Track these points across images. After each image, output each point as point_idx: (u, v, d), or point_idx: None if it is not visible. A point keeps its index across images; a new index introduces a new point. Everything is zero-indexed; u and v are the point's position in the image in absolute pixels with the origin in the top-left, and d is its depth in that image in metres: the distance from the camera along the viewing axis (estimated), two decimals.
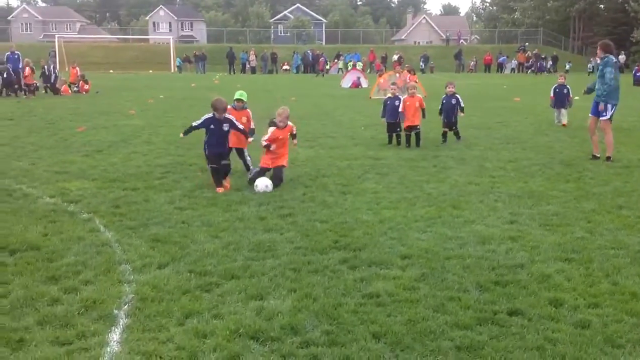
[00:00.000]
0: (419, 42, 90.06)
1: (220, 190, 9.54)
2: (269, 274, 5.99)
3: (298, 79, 50.56)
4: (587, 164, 11.99)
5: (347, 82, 38.56)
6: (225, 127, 9.89)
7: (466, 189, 9.98)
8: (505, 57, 63.66)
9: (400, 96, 14.89)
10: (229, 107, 10.19)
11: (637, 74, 42.86)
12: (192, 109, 21.97)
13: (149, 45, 78.79)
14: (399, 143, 14.40)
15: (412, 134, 14.34)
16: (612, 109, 12.51)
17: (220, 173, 9.82)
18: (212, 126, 9.82)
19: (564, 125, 17.86)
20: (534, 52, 62.47)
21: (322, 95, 30.83)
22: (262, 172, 10.06)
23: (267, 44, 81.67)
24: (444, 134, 14.95)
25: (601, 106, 12.47)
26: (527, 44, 67.90)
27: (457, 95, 15.01)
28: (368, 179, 10.63)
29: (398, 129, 14.46)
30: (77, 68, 34.18)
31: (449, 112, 14.91)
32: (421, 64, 60.16)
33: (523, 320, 5.01)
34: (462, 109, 15.04)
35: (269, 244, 6.93)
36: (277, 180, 9.92)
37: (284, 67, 63.60)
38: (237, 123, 10.08)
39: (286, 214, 8.26)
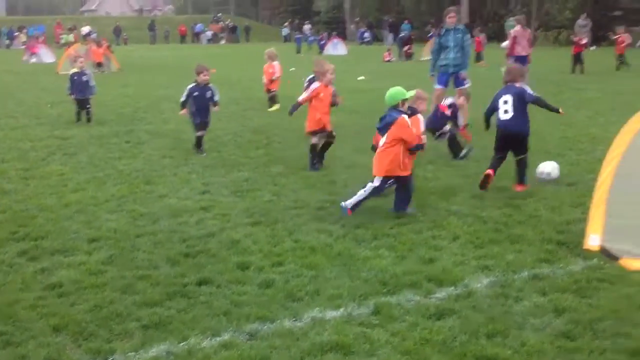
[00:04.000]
0: (110, 13, 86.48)
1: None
2: None
3: None
4: (276, 130, 12.62)
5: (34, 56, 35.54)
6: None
7: (160, 162, 9.87)
8: (201, 25, 64.14)
9: (86, 71, 14.11)
10: None
11: (321, 42, 46.48)
12: None
13: None
14: (88, 120, 13.65)
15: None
16: None
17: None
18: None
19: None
20: (227, 22, 64.12)
21: (1, 72, 28.00)
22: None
23: None
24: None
25: (463, 74, 12.17)
26: (220, 14, 69.27)
27: (211, 86, 10.70)
28: (54, 161, 9.93)
29: (88, 106, 13.71)
30: None
31: (203, 109, 10.57)
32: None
33: (212, 288, 5.10)
34: (215, 103, 10.71)
35: None
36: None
37: None
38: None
39: None
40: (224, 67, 29.53)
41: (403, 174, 7.10)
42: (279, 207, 7.42)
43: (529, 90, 8.04)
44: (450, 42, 12.16)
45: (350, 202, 7.04)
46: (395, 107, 7.22)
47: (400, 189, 7.23)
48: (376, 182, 7.11)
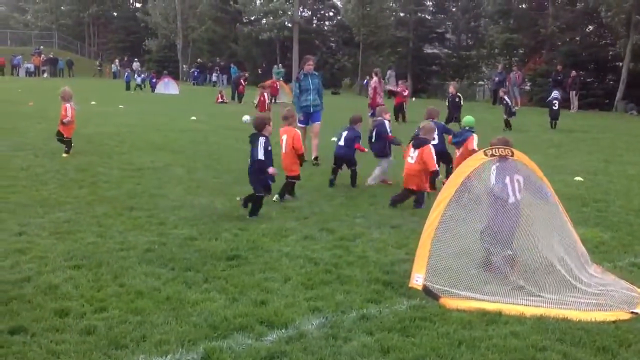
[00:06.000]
0: None
1: None
2: None
3: None
4: (100, 169, 12.05)
5: None
6: None
7: None
8: (20, 58, 60.29)
9: None
10: None
11: (152, 81, 45.55)
12: None
13: None
14: None
15: None
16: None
17: None
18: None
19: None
20: (49, 55, 61.06)
21: None
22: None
23: None
24: None
25: (318, 114, 13.67)
26: (41, 47, 65.67)
27: None
28: None
29: None
30: None
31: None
32: None
33: (25, 337, 4.69)
34: None
35: None
36: None
37: None
38: None
39: None
40: (42, 100, 27.93)
41: None
42: (104, 249, 7.03)
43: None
44: (309, 86, 13.53)
45: None
46: (471, 128, 10.66)
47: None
48: None
